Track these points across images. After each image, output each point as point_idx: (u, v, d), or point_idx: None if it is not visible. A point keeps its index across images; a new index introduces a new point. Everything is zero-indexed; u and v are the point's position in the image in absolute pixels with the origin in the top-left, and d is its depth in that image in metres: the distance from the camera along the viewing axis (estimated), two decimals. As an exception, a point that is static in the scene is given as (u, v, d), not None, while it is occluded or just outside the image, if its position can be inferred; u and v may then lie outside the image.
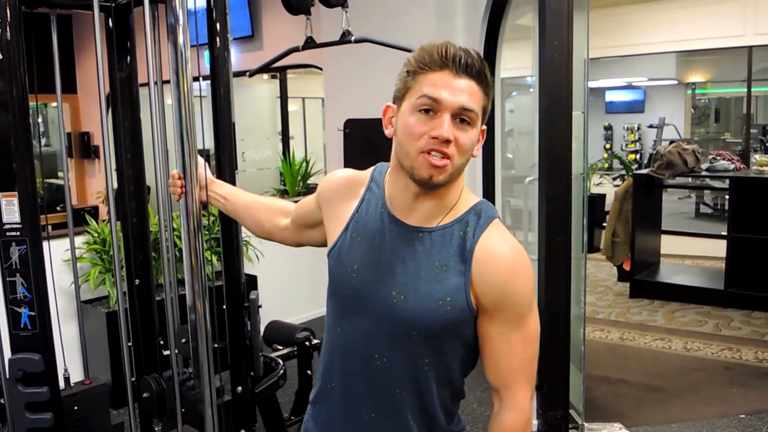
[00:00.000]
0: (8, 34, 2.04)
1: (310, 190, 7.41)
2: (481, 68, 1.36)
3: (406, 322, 1.40)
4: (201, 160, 2.00)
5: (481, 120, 1.38)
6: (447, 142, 1.32)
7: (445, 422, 1.51)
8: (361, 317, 1.46)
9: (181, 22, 1.92)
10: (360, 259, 1.47)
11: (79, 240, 4.21)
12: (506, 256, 1.40)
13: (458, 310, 1.38)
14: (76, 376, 2.77)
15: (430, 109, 1.34)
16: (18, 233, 2.06)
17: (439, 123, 1.33)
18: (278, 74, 7.71)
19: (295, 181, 7.42)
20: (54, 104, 8.53)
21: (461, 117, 1.34)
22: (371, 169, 1.59)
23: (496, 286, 1.38)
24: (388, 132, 1.45)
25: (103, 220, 4.61)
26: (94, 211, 7.71)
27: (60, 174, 8.72)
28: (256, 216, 1.91)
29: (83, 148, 9.17)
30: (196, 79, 2.04)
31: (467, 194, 1.47)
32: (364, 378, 1.48)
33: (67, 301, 3.89)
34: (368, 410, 1.49)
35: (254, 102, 8.24)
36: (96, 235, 4.31)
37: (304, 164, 7.64)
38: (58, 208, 7.10)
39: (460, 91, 1.33)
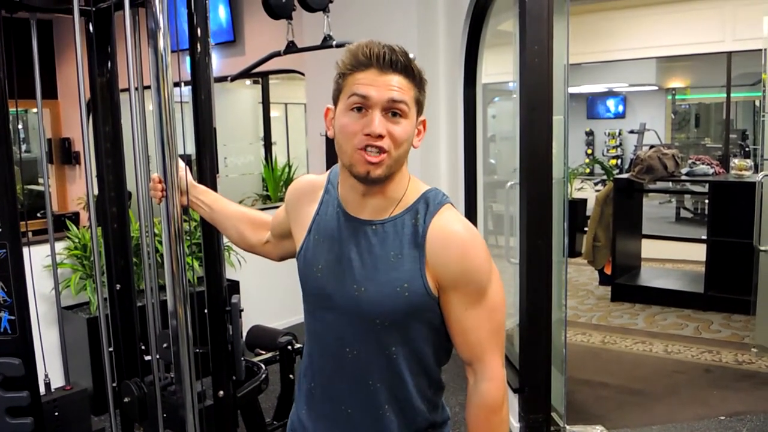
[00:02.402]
0: (-13, 38, 2.04)
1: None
2: (406, 62, 1.40)
3: (368, 312, 1.45)
4: (182, 164, 2.00)
5: (415, 111, 1.44)
6: (380, 137, 1.38)
7: (427, 412, 1.55)
8: (329, 314, 1.52)
9: (161, 27, 1.92)
10: (323, 259, 1.53)
11: (59, 246, 4.18)
12: (459, 233, 1.45)
13: (417, 295, 1.43)
14: (57, 381, 2.76)
15: (362, 106, 1.39)
16: (-3, 237, 2.05)
17: (371, 120, 1.38)
18: (260, 80, 7.71)
19: (277, 187, 7.41)
20: (34, 110, 8.47)
21: (392, 110, 1.39)
22: (328, 171, 1.64)
23: (454, 264, 1.43)
24: (329, 133, 1.49)
25: (84, 226, 4.58)
26: (74, 217, 7.67)
27: (40, 180, 8.66)
28: (239, 228, 1.93)
29: (64, 153, 9.10)
30: (177, 84, 2.04)
31: (415, 184, 1.52)
32: (340, 374, 1.52)
33: (48, 307, 3.86)
34: (346, 405, 1.53)
35: (236, 107, 8.23)
36: (77, 240, 4.29)
37: (287, 169, 7.64)
38: (38, 215, 7.05)
39: (387, 86, 1.39)
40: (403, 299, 1.43)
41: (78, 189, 8.99)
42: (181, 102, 2.08)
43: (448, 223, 1.45)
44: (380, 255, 1.46)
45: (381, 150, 1.39)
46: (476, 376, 1.50)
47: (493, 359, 1.49)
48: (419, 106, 1.45)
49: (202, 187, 2.05)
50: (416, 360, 1.49)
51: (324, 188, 1.61)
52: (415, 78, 1.43)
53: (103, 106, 2.68)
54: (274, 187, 7.42)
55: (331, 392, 1.55)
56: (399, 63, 1.39)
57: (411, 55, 1.43)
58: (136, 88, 2.41)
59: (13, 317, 2.09)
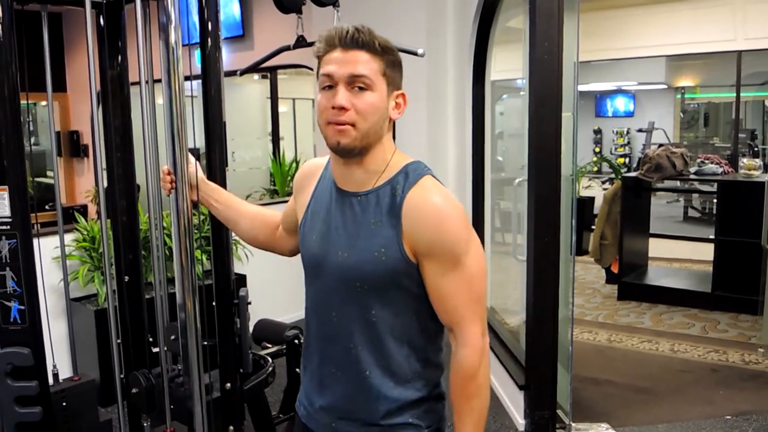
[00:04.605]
0: (0, 31, 2.04)
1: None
2: (369, 39, 1.50)
3: (350, 275, 1.54)
4: (192, 159, 2.01)
5: (384, 83, 1.52)
6: (342, 108, 1.47)
7: (415, 383, 1.60)
8: (319, 280, 1.63)
9: (173, 20, 1.92)
10: (318, 230, 1.64)
11: (68, 238, 4.20)
12: (433, 204, 1.51)
13: (393, 260, 1.51)
14: (65, 372, 2.77)
15: (331, 84, 1.50)
16: (8, 227, 2.06)
17: (335, 93, 1.49)
18: (269, 75, 7.72)
19: (284, 181, 7.42)
20: (43, 103, 8.50)
21: (356, 84, 1.48)
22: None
23: (427, 233, 1.49)
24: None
25: (92, 219, 4.60)
26: (82, 210, 7.69)
27: (49, 173, 8.69)
28: (252, 227, 1.98)
29: (72, 146, 9.14)
30: (187, 78, 2.05)
31: (399, 157, 1.60)
32: (328, 337, 1.62)
33: (56, 299, 3.89)
34: (335, 369, 1.63)
35: (245, 102, 8.24)
36: (85, 233, 4.31)
37: (294, 164, 7.65)
38: (47, 207, 7.07)
39: (349, 61, 1.48)
40: (381, 263, 1.51)
41: (86, 182, 9.02)
42: (191, 96, 2.09)
43: (425, 193, 1.52)
44: (362, 222, 1.55)
45: (345, 123, 1.48)
46: (456, 341, 1.56)
47: (471, 326, 1.54)
48: (388, 78, 1.53)
49: (213, 185, 2.06)
50: (398, 326, 1.56)
51: (324, 167, 1.71)
52: (378, 52, 1.50)
53: (114, 99, 2.68)
54: (281, 181, 7.43)
55: (323, 356, 1.65)
56: (360, 39, 1.48)
57: (376, 36, 1.51)
58: (147, 82, 2.42)
59: (22, 307, 2.10)
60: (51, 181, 8.36)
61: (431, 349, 1.63)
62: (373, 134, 1.52)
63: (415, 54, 2.74)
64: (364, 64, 1.48)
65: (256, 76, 8.28)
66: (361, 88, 1.48)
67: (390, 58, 1.53)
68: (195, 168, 2.01)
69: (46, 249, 3.65)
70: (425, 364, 1.61)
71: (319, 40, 1.53)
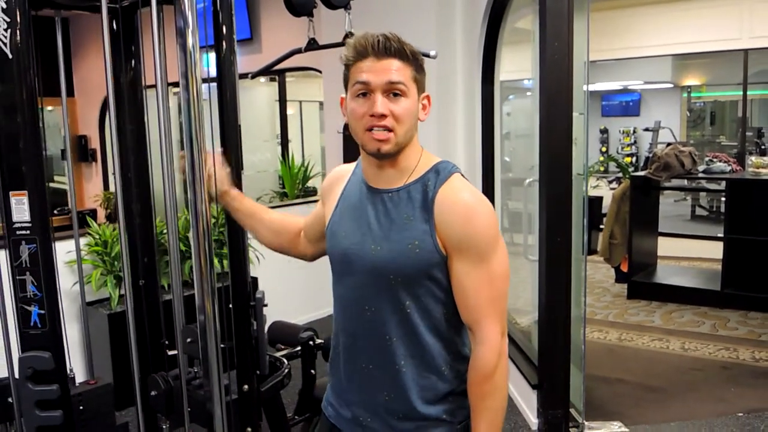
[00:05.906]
0: (17, 36, 2.06)
1: (309, 192, 7.43)
2: (399, 46, 1.56)
3: (383, 269, 1.59)
4: (227, 168, 2.07)
5: (415, 89, 1.59)
6: (382, 116, 1.54)
7: (447, 376, 1.65)
8: (351, 276, 1.67)
9: (190, 24, 1.93)
10: (347, 228, 1.69)
11: (80, 242, 4.22)
12: (464, 200, 1.57)
13: (426, 252, 1.56)
14: (80, 376, 2.78)
15: (366, 91, 1.56)
16: (28, 232, 2.07)
17: (373, 102, 1.55)
18: (277, 77, 7.73)
19: (294, 184, 7.43)
20: (49, 108, 8.53)
21: (392, 91, 1.55)
22: (359, 158, 1.78)
23: (457, 228, 1.55)
24: (345, 118, 1.66)
25: (103, 223, 4.61)
26: (92, 214, 7.71)
27: (57, 178, 8.72)
28: (272, 234, 2.06)
29: (80, 151, 9.16)
30: (202, 81, 2.05)
31: (427, 157, 1.66)
32: (361, 332, 1.67)
33: (70, 303, 3.91)
34: (366, 362, 1.67)
35: (253, 105, 8.25)
36: (97, 237, 4.32)
37: (303, 167, 7.66)
38: (55, 212, 7.10)
39: (384, 70, 1.55)
40: (414, 255, 1.56)
41: (94, 186, 9.04)
42: (210, 100, 2.10)
43: (455, 190, 1.58)
44: (394, 218, 1.60)
45: (386, 129, 1.55)
46: (474, 340, 1.60)
47: (489, 325, 1.57)
48: (418, 83, 1.60)
49: (236, 192, 2.10)
50: (429, 318, 1.61)
51: (352, 171, 1.79)
52: (410, 58, 1.57)
53: (128, 103, 2.69)
54: (291, 184, 7.44)
55: (354, 351, 1.69)
56: (392, 47, 1.55)
57: (402, 41, 1.58)
58: (161, 85, 2.43)
59: (42, 311, 2.11)
60: (60, 186, 8.39)
61: (460, 342, 1.67)
62: (408, 137, 1.60)
63: (428, 56, 2.75)
64: (398, 71, 1.55)
65: (263, 79, 8.29)
66: (396, 95, 1.55)
67: (418, 62, 1.60)
68: (224, 174, 2.06)
69: (59, 254, 3.66)
70: (456, 356, 1.65)
71: (347, 48, 1.59)
